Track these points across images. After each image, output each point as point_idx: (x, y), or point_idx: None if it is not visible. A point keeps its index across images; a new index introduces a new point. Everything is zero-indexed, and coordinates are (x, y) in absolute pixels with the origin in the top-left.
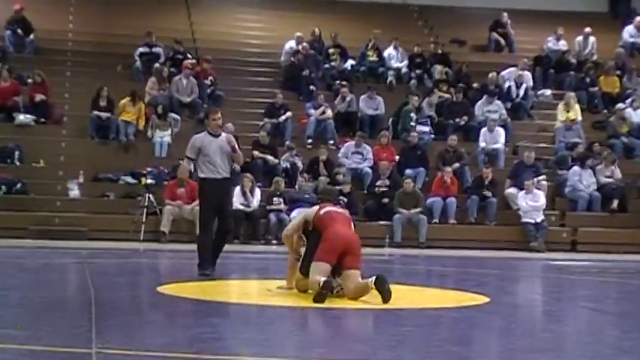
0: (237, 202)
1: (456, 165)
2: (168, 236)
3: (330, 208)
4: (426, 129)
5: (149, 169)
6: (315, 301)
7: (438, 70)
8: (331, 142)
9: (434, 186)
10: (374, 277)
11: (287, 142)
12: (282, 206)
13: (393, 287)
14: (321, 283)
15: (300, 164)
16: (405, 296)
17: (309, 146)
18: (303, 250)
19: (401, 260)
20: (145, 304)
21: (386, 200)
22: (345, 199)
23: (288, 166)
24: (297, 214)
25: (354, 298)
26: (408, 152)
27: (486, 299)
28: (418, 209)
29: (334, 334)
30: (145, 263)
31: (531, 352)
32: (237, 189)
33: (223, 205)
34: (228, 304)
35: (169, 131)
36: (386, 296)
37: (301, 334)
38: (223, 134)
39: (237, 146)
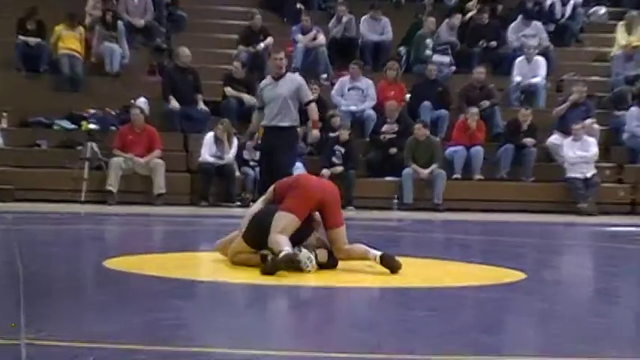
0: (206, 153)
1: (484, 104)
2: (117, 196)
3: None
4: (446, 59)
5: (92, 111)
6: (265, 272)
7: None
8: (324, 76)
9: (455, 132)
10: (378, 254)
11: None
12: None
13: (403, 260)
14: (282, 254)
15: None
16: (418, 272)
17: None
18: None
19: (413, 227)
20: (89, 283)
21: (394, 150)
22: (342, 150)
23: None
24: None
25: (345, 258)
26: (425, 89)
27: (522, 275)
28: (434, 165)
29: (328, 320)
30: (88, 231)
31: (579, 342)
32: (209, 137)
33: (272, 157)
34: (195, 282)
35: (119, 45)
36: (395, 267)
37: (286, 320)
38: (290, 76)
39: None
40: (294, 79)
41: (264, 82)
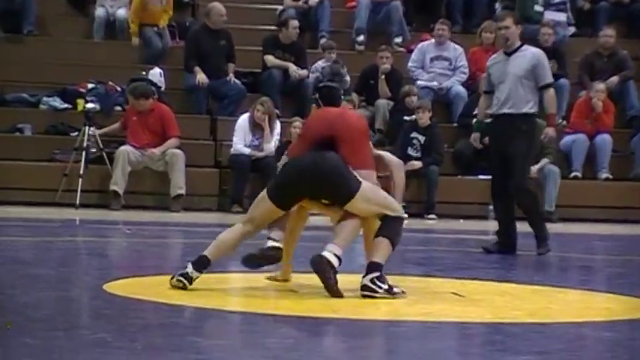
0: (239, 142)
1: (613, 80)
2: (124, 199)
3: None
4: (562, 17)
5: (91, 85)
6: (244, 262)
7: None
8: (398, 40)
9: (574, 115)
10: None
11: (322, 40)
12: None
13: (502, 287)
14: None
15: (346, 77)
16: (522, 304)
17: (361, 47)
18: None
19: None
20: (84, 313)
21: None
22: (422, 139)
23: (325, 80)
24: None
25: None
26: None
27: None
28: (544, 159)
29: None
30: (84, 244)
31: None
32: (244, 121)
33: (503, 154)
34: (222, 312)
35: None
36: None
37: None
38: (527, 50)
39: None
40: (531, 53)
41: (492, 57)
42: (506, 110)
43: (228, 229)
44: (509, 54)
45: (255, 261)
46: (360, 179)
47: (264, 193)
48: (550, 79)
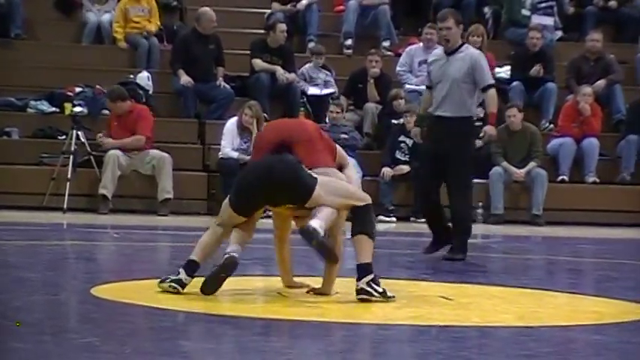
0: (228, 146)
1: (600, 83)
2: (112, 203)
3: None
4: (549, 21)
5: (79, 89)
6: (202, 289)
7: None
8: (387, 43)
9: (561, 118)
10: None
11: (310, 45)
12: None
13: (487, 290)
14: (225, 258)
15: (333, 83)
16: (510, 307)
17: (349, 51)
18: None
19: (503, 245)
20: (71, 317)
21: (478, 144)
22: (410, 142)
23: (313, 85)
24: None
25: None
26: (523, 61)
27: None
28: (532, 163)
29: None
30: (72, 247)
31: None
32: (232, 124)
33: (438, 155)
34: (211, 316)
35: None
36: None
37: None
38: (466, 52)
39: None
40: (469, 55)
41: (434, 53)
42: (441, 113)
43: (207, 232)
44: (449, 54)
45: (216, 277)
46: (316, 175)
47: (227, 198)
48: (489, 81)
